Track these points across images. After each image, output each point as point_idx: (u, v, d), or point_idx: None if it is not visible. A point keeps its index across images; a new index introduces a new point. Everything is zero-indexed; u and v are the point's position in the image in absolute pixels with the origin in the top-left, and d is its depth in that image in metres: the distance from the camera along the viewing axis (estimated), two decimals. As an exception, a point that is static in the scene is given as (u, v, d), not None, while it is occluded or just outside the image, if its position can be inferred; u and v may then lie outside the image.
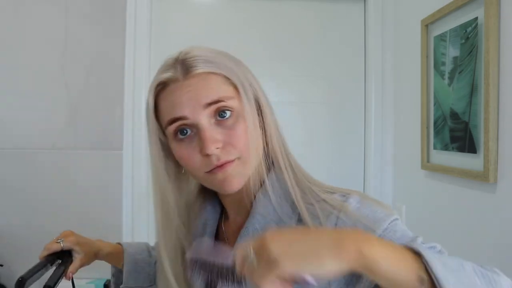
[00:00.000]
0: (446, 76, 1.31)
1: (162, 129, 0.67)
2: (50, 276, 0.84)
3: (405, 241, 0.54)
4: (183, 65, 0.63)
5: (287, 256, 0.45)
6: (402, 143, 1.70)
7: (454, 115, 1.26)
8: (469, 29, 1.17)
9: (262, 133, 0.67)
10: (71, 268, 0.88)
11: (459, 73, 1.23)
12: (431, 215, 1.44)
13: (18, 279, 0.81)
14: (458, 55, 1.24)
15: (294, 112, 1.78)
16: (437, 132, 1.37)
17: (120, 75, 1.68)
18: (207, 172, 0.63)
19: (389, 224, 0.58)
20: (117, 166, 1.67)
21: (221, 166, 0.62)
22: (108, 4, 1.70)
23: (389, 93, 1.76)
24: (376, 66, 1.76)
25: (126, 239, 1.64)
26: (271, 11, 1.79)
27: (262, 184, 0.67)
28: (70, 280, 0.90)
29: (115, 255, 0.96)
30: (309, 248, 0.46)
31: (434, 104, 1.39)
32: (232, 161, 0.63)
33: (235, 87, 0.65)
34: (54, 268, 0.87)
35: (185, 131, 0.63)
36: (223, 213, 0.76)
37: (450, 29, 1.28)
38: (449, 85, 1.29)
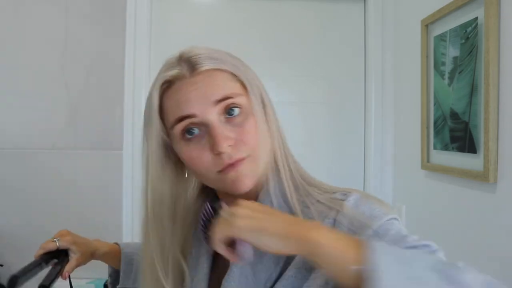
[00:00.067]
0: (446, 76, 1.31)
1: (165, 130, 0.65)
2: (46, 276, 0.83)
3: (400, 241, 0.54)
4: (188, 63, 0.62)
5: (245, 220, 0.52)
6: (402, 143, 1.70)
7: (454, 115, 1.26)
8: (469, 29, 1.17)
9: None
10: (67, 267, 0.87)
11: (459, 73, 1.23)
12: (431, 215, 1.44)
13: (11, 276, 0.80)
14: (458, 55, 1.24)
15: (294, 112, 1.78)
16: (437, 132, 1.37)
17: (120, 75, 1.68)
18: (219, 171, 0.61)
19: (385, 221, 0.57)
20: (117, 166, 1.67)
21: (233, 164, 0.60)
22: (108, 4, 1.70)
23: (389, 93, 1.76)
24: (376, 66, 1.76)
25: (126, 239, 1.63)
26: (271, 11, 1.79)
27: (263, 185, 0.66)
28: (68, 280, 0.90)
29: (112, 255, 0.96)
30: (266, 222, 0.52)
31: (434, 104, 1.39)
32: (244, 158, 0.61)
33: (242, 84, 0.64)
34: (49, 267, 0.86)
35: (192, 131, 0.61)
36: None
37: (450, 29, 1.28)
38: (449, 85, 1.29)
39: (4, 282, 1.78)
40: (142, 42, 1.69)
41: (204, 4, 1.79)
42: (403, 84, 1.69)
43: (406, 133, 1.64)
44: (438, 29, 1.36)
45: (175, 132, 0.62)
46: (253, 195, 0.66)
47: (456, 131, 1.25)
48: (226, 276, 0.63)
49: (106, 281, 1.65)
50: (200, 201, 0.75)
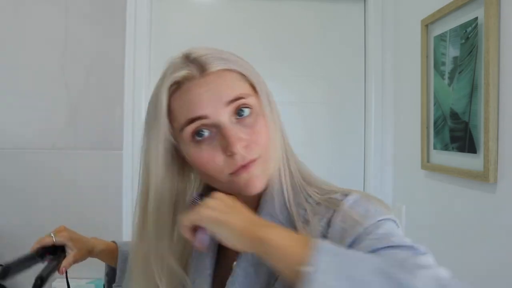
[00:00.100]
0: (446, 76, 1.31)
1: (173, 132, 0.63)
2: (43, 269, 0.83)
3: (385, 239, 0.53)
4: (197, 63, 0.61)
5: (210, 211, 0.56)
6: (402, 143, 1.70)
7: (454, 115, 1.26)
8: (469, 29, 1.17)
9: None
10: (64, 262, 0.87)
11: (459, 73, 1.23)
12: (431, 215, 1.44)
13: (4, 266, 0.80)
14: (458, 55, 1.24)
15: (294, 112, 1.78)
16: (437, 132, 1.37)
17: (120, 75, 1.68)
18: (231, 173, 0.61)
19: (377, 221, 0.57)
20: (117, 166, 1.67)
21: (245, 165, 0.60)
22: (108, 4, 1.70)
23: (389, 93, 1.76)
24: (376, 66, 1.76)
25: (126, 239, 1.63)
26: (271, 11, 1.79)
27: (267, 186, 0.65)
28: (64, 276, 0.90)
29: (109, 253, 0.96)
30: (228, 216, 0.55)
31: (434, 104, 1.39)
32: (255, 160, 0.61)
33: (250, 84, 0.64)
34: (46, 263, 0.86)
35: (202, 132, 0.60)
36: None
37: (450, 29, 1.28)
38: (449, 85, 1.29)
39: (4, 282, 1.78)
40: (142, 42, 1.69)
41: (204, 4, 1.79)
42: (403, 84, 1.69)
43: (406, 133, 1.64)
44: (438, 29, 1.36)
45: (185, 134, 0.61)
46: (255, 197, 0.65)
47: (456, 131, 1.25)
48: (230, 278, 0.63)
49: (106, 281, 1.65)
50: None
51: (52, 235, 0.88)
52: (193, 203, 0.68)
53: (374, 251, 0.51)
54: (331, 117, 1.82)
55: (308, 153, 1.86)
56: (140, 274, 0.69)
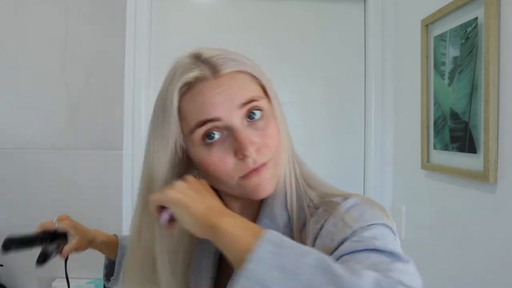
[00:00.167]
0: (446, 76, 1.31)
1: (182, 134, 0.62)
2: (47, 247, 0.86)
3: (366, 242, 0.52)
4: (209, 64, 0.60)
5: (176, 193, 0.57)
6: (402, 143, 1.70)
7: (454, 115, 1.26)
8: (469, 29, 1.17)
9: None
10: (66, 248, 0.89)
11: (459, 73, 1.23)
12: (431, 215, 1.44)
13: (6, 238, 0.84)
14: (458, 55, 1.24)
15: (294, 112, 1.78)
16: (437, 132, 1.37)
17: (120, 75, 1.68)
18: (242, 176, 0.60)
19: (367, 225, 0.55)
20: (117, 166, 1.67)
21: (256, 169, 0.59)
22: (108, 4, 1.70)
23: (389, 93, 1.76)
24: (376, 66, 1.76)
25: (126, 239, 1.64)
26: (271, 11, 1.79)
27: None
28: (64, 263, 0.92)
29: (109, 245, 0.96)
30: (191, 201, 0.56)
31: (434, 104, 1.39)
32: (266, 163, 0.60)
33: (261, 86, 0.63)
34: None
35: (213, 135, 0.59)
36: None
37: (450, 29, 1.28)
38: (449, 85, 1.29)
39: (4, 282, 1.78)
40: (142, 42, 1.69)
41: (204, 4, 1.79)
42: (403, 84, 1.69)
43: (406, 133, 1.64)
44: (438, 29, 1.36)
45: (195, 136, 0.60)
46: (257, 201, 0.65)
47: (456, 131, 1.25)
48: (230, 281, 0.62)
49: (106, 281, 1.65)
50: None
51: (55, 221, 0.90)
52: None
53: (351, 253, 0.51)
54: (331, 117, 1.82)
55: (308, 153, 1.87)
56: (138, 275, 0.68)
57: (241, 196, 0.63)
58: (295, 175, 0.66)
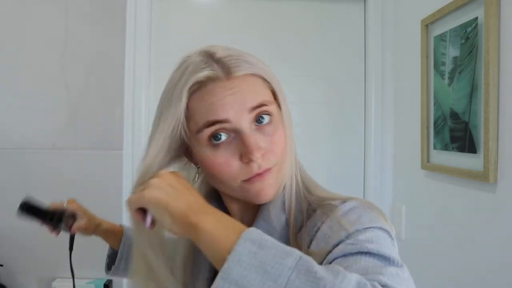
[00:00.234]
0: (446, 76, 1.31)
1: (188, 132, 0.61)
2: (61, 212, 0.91)
3: (360, 245, 0.51)
4: (222, 65, 0.59)
5: (154, 191, 0.55)
6: (402, 143, 1.70)
7: (454, 115, 1.26)
8: (469, 29, 1.17)
9: None
10: (76, 224, 0.93)
11: (459, 73, 1.23)
12: (431, 215, 1.44)
13: (23, 201, 0.93)
14: (458, 55, 1.24)
15: (294, 112, 1.75)
16: (437, 132, 1.37)
17: (120, 75, 1.68)
18: (245, 180, 0.59)
19: (363, 228, 0.54)
20: (117, 166, 1.67)
21: (261, 174, 0.59)
22: (108, 4, 1.70)
23: (389, 93, 1.76)
24: (376, 66, 1.76)
25: (126, 239, 1.63)
26: (271, 11, 1.79)
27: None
28: (70, 243, 0.96)
29: (114, 235, 0.97)
30: (171, 198, 0.54)
31: (434, 104, 1.39)
32: (271, 169, 0.60)
33: (271, 90, 0.63)
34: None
35: (219, 136, 0.58)
36: None
37: (450, 29, 1.28)
38: (449, 85, 1.29)
39: (4, 282, 1.79)
40: (142, 42, 1.69)
41: (204, 4, 1.79)
42: (403, 84, 1.69)
43: (406, 133, 1.64)
44: (438, 29, 1.36)
45: (202, 136, 0.59)
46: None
47: (456, 131, 1.25)
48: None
49: (106, 281, 1.66)
50: None
51: (65, 203, 0.93)
52: None
53: (344, 255, 0.50)
54: (331, 117, 1.82)
55: (308, 153, 1.88)
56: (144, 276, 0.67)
57: (242, 199, 0.63)
58: (296, 179, 0.66)
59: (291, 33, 1.79)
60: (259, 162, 0.58)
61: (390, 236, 0.57)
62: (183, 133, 0.61)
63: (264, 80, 0.62)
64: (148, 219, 0.58)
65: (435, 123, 1.38)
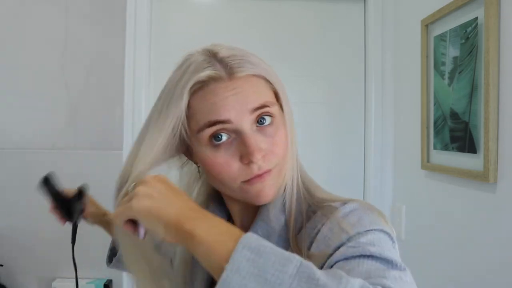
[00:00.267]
0: (446, 76, 1.31)
1: (189, 132, 0.61)
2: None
3: (362, 248, 0.50)
4: (225, 65, 0.58)
5: (143, 200, 0.52)
6: (402, 143, 1.70)
7: (454, 115, 1.26)
8: (469, 29, 1.17)
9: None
10: (87, 209, 0.97)
11: (459, 73, 1.23)
12: (431, 215, 1.44)
13: (47, 175, 0.97)
14: (458, 55, 1.24)
15: (294, 112, 1.75)
16: (437, 132, 1.37)
17: (120, 75, 1.68)
18: (244, 181, 0.59)
19: (365, 231, 0.54)
20: (117, 166, 1.65)
21: (260, 175, 0.59)
22: (108, 4, 1.70)
23: (389, 93, 1.76)
24: (376, 66, 1.76)
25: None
26: (271, 11, 1.79)
27: None
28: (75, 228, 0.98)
29: None
30: (162, 205, 0.51)
31: (434, 104, 1.39)
32: (271, 170, 0.59)
33: (274, 92, 0.63)
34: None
35: (220, 136, 0.58)
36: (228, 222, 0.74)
37: (450, 29, 1.28)
38: (449, 85, 1.29)
39: (4, 282, 1.79)
40: (142, 42, 1.69)
41: (204, 4, 1.79)
42: (403, 84, 1.69)
43: (406, 133, 1.64)
44: (438, 29, 1.36)
45: (203, 136, 0.59)
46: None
47: (456, 131, 1.25)
48: None
49: (106, 281, 1.66)
50: (210, 209, 0.73)
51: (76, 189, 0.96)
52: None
53: (346, 259, 0.49)
54: (331, 117, 1.82)
55: (308, 153, 1.88)
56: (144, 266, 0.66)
57: (242, 199, 0.63)
58: (297, 180, 0.66)
59: (291, 33, 1.79)
60: (259, 163, 0.58)
61: (391, 238, 0.56)
62: (183, 132, 0.61)
63: (267, 81, 0.62)
64: (141, 231, 0.56)
65: (435, 123, 1.38)
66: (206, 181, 0.72)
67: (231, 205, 0.70)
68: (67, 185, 1.65)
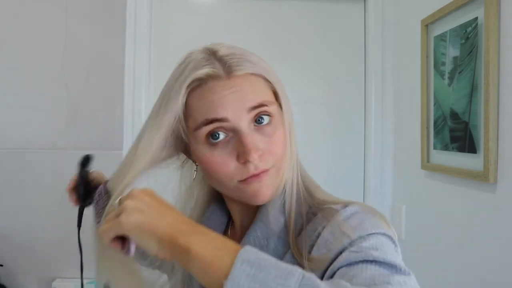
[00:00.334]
0: (446, 76, 1.31)
1: (187, 130, 0.61)
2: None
3: (365, 252, 0.50)
4: (224, 63, 0.58)
5: (132, 215, 0.50)
6: (402, 143, 1.70)
7: (454, 115, 1.26)
8: (469, 29, 1.17)
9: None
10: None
11: (459, 73, 1.23)
12: (431, 215, 1.44)
13: (86, 156, 0.92)
14: (458, 55, 1.24)
15: (294, 112, 1.76)
16: (437, 132, 1.37)
17: (120, 75, 1.68)
18: (241, 181, 0.59)
19: (367, 234, 0.53)
20: (117, 166, 1.67)
21: (257, 175, 0.58)
22: (108, 4, 1.70)
23: (389, 93, 1.76)
24: (376, 66, 1.76)
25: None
26: (271, 11, 1.79)
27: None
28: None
29: None
30: (152, 219, 0.49)
31: (434, 104, 1.39)
32: (268, 170, 0.59)
33: (273, 91, 0.62)
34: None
35: (217, 135, 0.58)
36: (229, 223, 0.73)
37: (450, 29, 1.28)
38: (449, 85, 1.29)
39: (4, 282, 1.78)
40: (142, 42, 1.69)
41: (204, 4, 1.79)
42: (403, 84, 1.69)
43: (406, 133, 1.64)
44: (438, 29, 1.36)
45: (200, 134, 0.59)
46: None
47: (456, 131, 1.25)
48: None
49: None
50: (204, 209, 0.72)
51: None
52: (98, 200, 0.67)
53: (349, 264, 0.49)
54: (331, 117, 1.82)
55: (308, 153, 1.88)
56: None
57: (239, 199, 0.62)
58: (297, 181, 0.65)
59: (291, 33, 1.79)
60: (256, 163, 0.57)
61: (394, 242, 0.56)
62: (181, 130, 0.61)
63: (266, 80, 0.61)
64: (132, 247, 0.53)
65: (435, 123, 1.38)
66: (207, 181, 0.72)
67: (231, 205, 0.69)
68: (67, 185, 1.66)
